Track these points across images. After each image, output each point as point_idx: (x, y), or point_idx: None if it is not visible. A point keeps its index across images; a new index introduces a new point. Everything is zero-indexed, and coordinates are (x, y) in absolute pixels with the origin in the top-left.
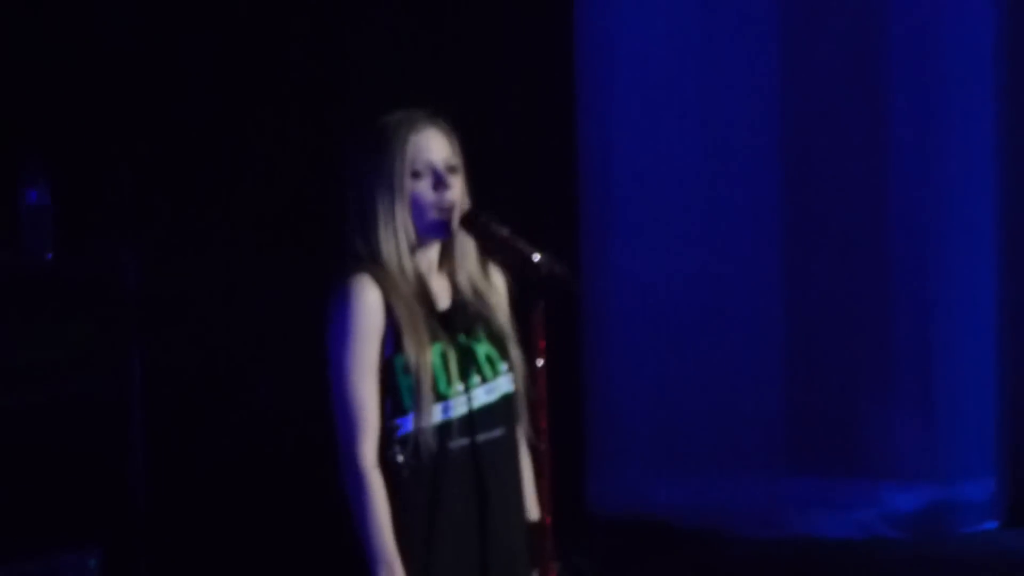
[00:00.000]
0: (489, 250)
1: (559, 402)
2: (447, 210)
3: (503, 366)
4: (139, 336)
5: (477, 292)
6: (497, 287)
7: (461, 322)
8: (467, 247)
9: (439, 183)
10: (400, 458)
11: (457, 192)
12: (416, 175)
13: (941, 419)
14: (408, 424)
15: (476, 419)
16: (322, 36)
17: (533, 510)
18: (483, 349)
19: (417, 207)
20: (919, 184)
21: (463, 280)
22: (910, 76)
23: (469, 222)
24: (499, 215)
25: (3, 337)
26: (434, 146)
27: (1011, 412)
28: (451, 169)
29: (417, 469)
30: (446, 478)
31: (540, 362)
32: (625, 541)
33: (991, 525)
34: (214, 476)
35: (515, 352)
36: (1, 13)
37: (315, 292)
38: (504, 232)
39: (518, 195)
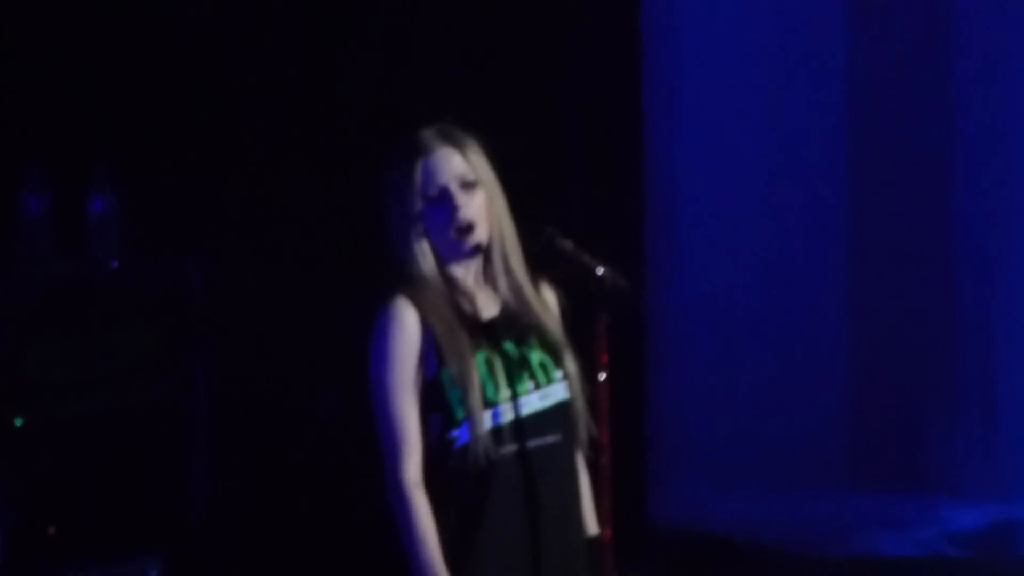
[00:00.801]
0: (551, 264)
1: (621, 415)
2: (464, 229)
3: (558, 374)
4: (203, 345)
5: (525, 302)
6: (548, 301)
7: (509, 330)
8: (507, 259)
9: (451, 204)
10: (458, 469)
11: (475, 208)
12: (429, 199)
13: (1005, 437)
14: (464, 435)
15: (529, 425)
16: (382, 53)
17: (591, 523)
18: (537, 356)
19: (435, 229)
20: (987, 199)
21: (506, 291)
22: (978, 82)
23: (538, 237)
24: (564, 227)
25: (69, 346)
26: (445, 167)
27: None
28: (466, 186)
29: (472, 477)
30: (498, 484)
31: (603, 376)
32: (686, 556)
33: None
34: (276, 486)
35: (570, 361)
36: (73, 35)
37: (373, 305)
38: (568, 246)
39: (583, 207)
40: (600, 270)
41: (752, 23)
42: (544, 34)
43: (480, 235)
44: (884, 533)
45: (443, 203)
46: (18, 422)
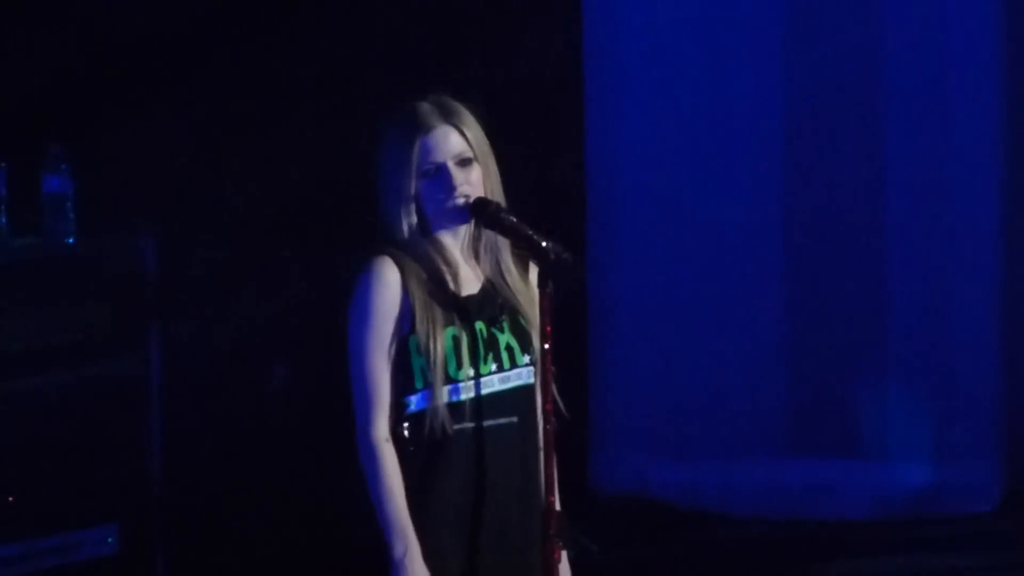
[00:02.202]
0: (514, 243)
1: (564, 384)
2: (457, 203)
3: (524, 358)
4: (157, 319)
5: (507, 283)
6: (531, 282)
7: (483, 310)
8: (493, 238)
9: (445, 181)
10: (406, 434)
11: (471, 183)
12: (426, 174)
13: (938, 403)
14: (417, 402)
15: (486, 405)
16: (345, 28)
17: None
18: (505, 339)
19: (429, 202)
20: (919, 167)
21: (489, 269)
22: (909, 67)
23: (478, 209)
24: (512, 208)
25: (25, 319)
26: (444, 145)
27: (1008, 397)
28: (463, 162)
29: (421, 446)
30: (447, 458)
31: (546, 346)
32: (628, 521)
33: (986, 508)
34: (230, 456)
35: (538, 346)
36: (27, 10)
37: (330, 278)
38: (512, 219)
39: (530, 194)
40: (544, 243)
41: (691, 13)
42: (493, 24)
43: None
44: (820, 497)
45: (440, 180)
46: None
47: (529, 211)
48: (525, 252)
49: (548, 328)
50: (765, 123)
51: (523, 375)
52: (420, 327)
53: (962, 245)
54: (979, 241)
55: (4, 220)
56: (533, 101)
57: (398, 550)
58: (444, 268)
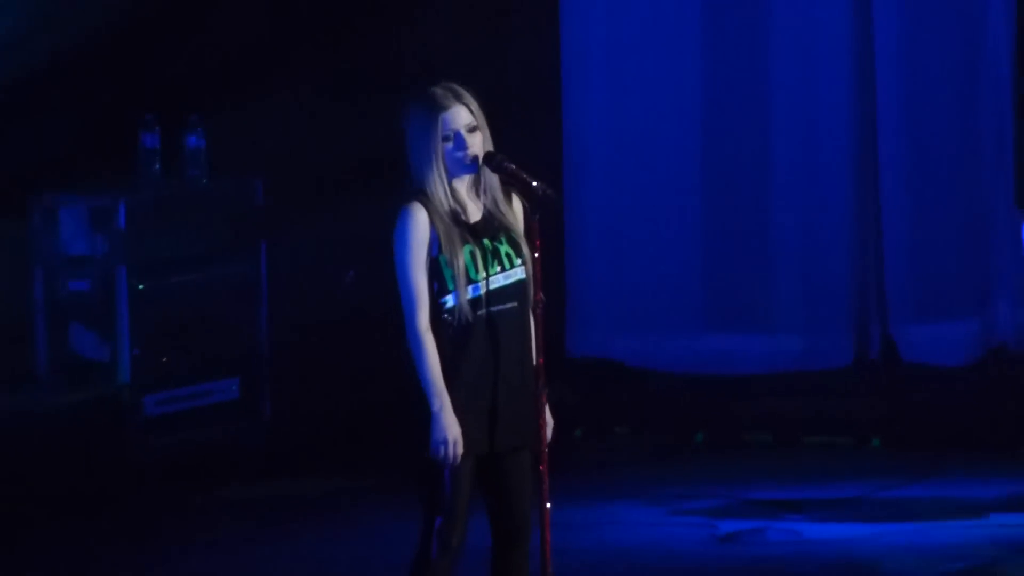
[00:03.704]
0: (504, 180)
1: (549, 280)
2: (470, 158)
3: (518, 261)
4: (264, 237)
5: (501, 211)
6: (516, 210)
7: (487, 230)
8: (491, 181)
9: (460, 143)
10: (447, 321)
11: (476, 144)
12: (447, 139)
13: (808, 291)
14: (451, 300)
15: (496, 296)
16: (388, 37)
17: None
18: (504, 248)
19: (449, 159)
20: (795, 119)
21: (488, 203)
22: (788, 57)
23: (488, 160)
24: (509, 156)
25: (173, 237)
26: (458, 118)
27: (857, 287)
28: (471, 130)
29: (458, 328)
30: (474, 334)
31: (536, 255)
32: (594, 376)
33: (841, 365)
34: (315, 332)
35: (527, 252)
36: (170, 23)
37: (383, 209)
38: (512, 167)
39: (525, 149)
40: (535, 183)
41: (637, 37)
42: (496, 35)
43: (479, 160)
44: (726, 358)
45: (456, 142)
46: (140, 287)
47: (524, 161)
48: (518, 190)
49: (537, 243)
50: (687, 96)
51: (518, 273)
52: (445, 248)
53: (827, 175)
54: (838, 169)
55: (158, 167)
56: (528, 88)
57: (436, 405)
58: (457, 206)
